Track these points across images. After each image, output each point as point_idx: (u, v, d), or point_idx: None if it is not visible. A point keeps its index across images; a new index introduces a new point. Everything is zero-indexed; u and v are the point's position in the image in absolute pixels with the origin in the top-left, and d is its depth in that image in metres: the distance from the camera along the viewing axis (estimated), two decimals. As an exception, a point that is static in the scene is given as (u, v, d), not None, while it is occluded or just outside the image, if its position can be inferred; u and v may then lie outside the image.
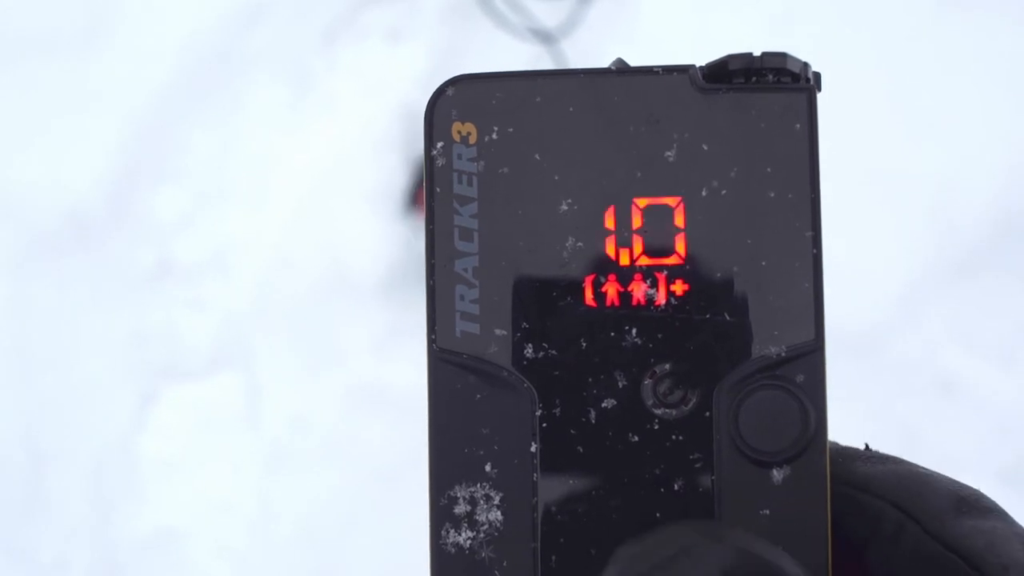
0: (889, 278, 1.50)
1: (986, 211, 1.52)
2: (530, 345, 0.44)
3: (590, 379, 0.44)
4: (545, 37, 1.64)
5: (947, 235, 1.51)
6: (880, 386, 1.44)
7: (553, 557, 0.44)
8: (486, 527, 0.44)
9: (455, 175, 0.45)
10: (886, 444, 1.45)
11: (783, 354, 0.43)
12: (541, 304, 0.44)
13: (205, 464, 1.51)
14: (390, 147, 1.55)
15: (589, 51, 1.61)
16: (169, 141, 1.57)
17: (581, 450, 0.44)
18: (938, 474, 0.45)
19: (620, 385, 0.44)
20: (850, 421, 1.41)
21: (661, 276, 0.44)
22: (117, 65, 1.58)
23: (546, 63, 1.60)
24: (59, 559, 1.49)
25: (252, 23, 1.60)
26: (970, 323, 1.48)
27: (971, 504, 0.44)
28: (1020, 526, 0.43)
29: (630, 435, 0.44)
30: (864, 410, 1.41)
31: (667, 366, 0.44)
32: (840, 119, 1.48)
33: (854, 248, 1.48)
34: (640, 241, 0.44)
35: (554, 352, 0.44)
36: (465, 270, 0.44)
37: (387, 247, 1.52)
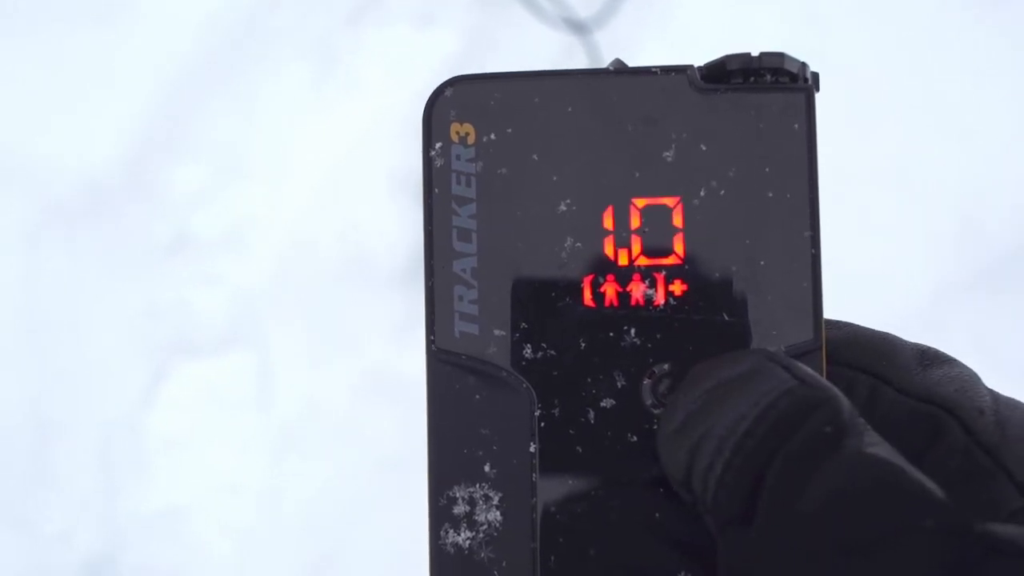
0: (914, 285, 1.49)
1: (1014, 220, 1.51)
2: (529, 345, 0.44)
3: (589, 379, 0.44)
4: (578, 27, 1.64)
5: (974, 244, 1.50)
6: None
7: (552, 557, 0.44)
8: (485, 527, 0.44)
9: (453, 176, 0.45)
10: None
11: None
12: (540, 304, 0.44)
13: (213, 443, 1.51)
14: (412, 133, 1.55)
15: (622, 42, 1.60)
16: (190, 116, 1.57)
17: (580, 450, 0.44)
18: (893, 334, 0.47)
19: (619, 385, 0.44)
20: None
21: (660, 276, 0.44)
22: (141, 38, 1.58)
23: (579, 53, 1.60)
24: (63, 532, 1.49)
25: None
26: (993, 333, 1.47)
27: (932, 356, 0.46)
28: (974, 371, 0.45)
29: (629, 435, 0.44)
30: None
31: (666, 366, 0.44)
32: (871, 122, 1.48)
33: (880, 254, 1.47)
34: (639, 241, 0.44)
35: (553, 352, 0.44)
36: (464, 271, 0.45)
37: (405, 235, 1.52)
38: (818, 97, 0.44)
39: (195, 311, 1.53)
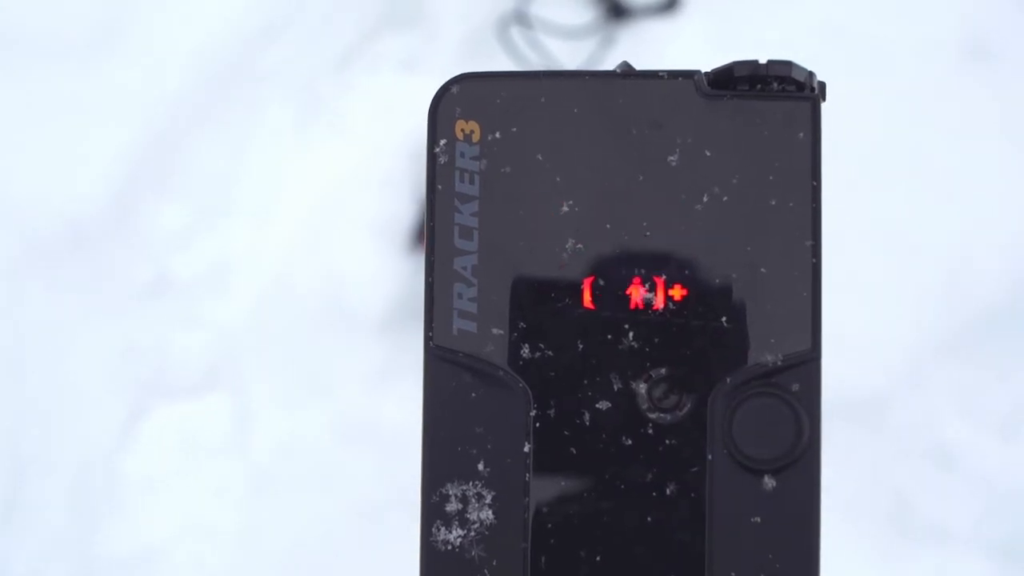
0: (895, 343, 1.48)
1: (998, 280, 1.51)
2: (527, 345, 0.44)
3: (585, 381, 0.44)
4: (562, 80, 1.63)
5: (959, 305, 1.50)
6: (876, 451, 1.43)
7: (543, 558, 0.44)
8: (477, 526, 0.44)
9: (457, 173, 0.45)
10: (877, 511, 1.41)
11: (779, 362, 0.43)
12: (539, 305, 0.44)
13: (188, 485, 1.49)
14: (397, 179, 1.53)
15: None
16: (173, 156, 1.56)
17: (574, 452, 0.44)
18: None
19: (615, 388, 0.44)
20: (843, 484, 1.40)
21: (660, 280, 0.44)
22: (126, 75, 1.57)
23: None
24: (35, 573, 1.47)
25: (266, 41, 1.59)
26: (975, 393, 1.47)
27: None
28: None
29: (624, 438, 0.44)
30: (857, 475, 1.40)
31: (663, 370, 0.44)
32: (856, 179, 1.48)
33: (862, 311, 1.47)
34: (640, 245, 0.44)
35: (550, 353, 0.44)
36: (464, 268, 0.44)
37: (387, 283, 1.51)
38: (824, 107, 0.44)
39: (174, 352, 1.51)
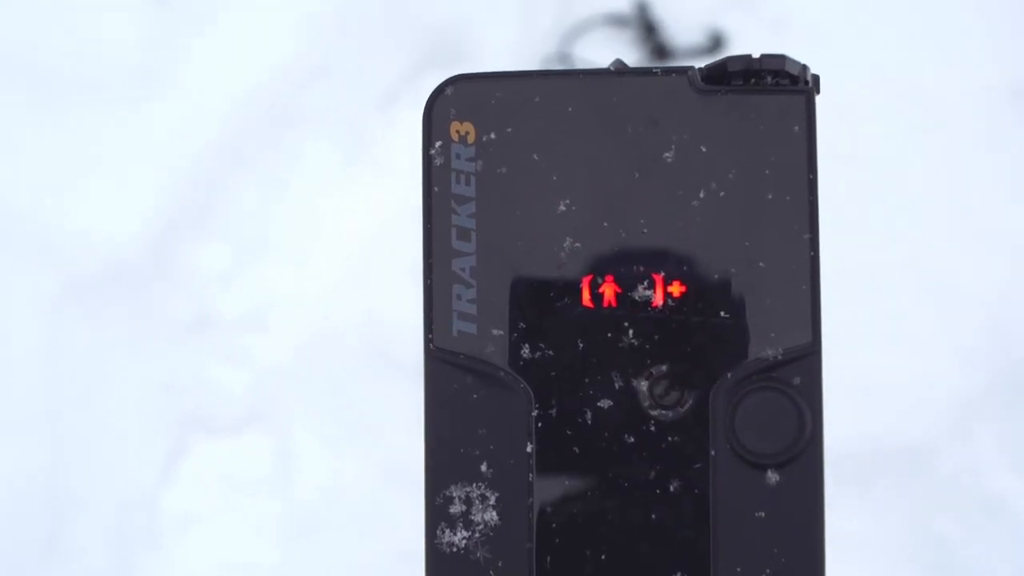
0: (940, 392, 1.47)
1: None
2: (527, 345, 0.44)
3: (586, 380, 0.44)
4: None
5: (999, 351, 1.48)
6: (920, 500, 1.41)
7: (548, 558, 0.43)
8: (481, 527, 0.44)
9: (453, 174, 0.45)
10: (920, 559, 1.39)
11: (780, 356, 0.43)
12: (538, 304, 0.44)
13: (229, 523, 1.49)
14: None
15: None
16: (217, 194, 1.56)
17: (577, 451, 0.44)
18: None
19: (616, 386, 0.44)
20: (886, 532, 1.38)
21: (658, 277, 0.44)
22: (169, 115, 1.57)
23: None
24: (76, 610, 1.47)
25: (311, 80, 1.59)
26: (1019, 441, 1.45)
27: None
28: None
29: (626, 436, 0.44)
30: (900, 522, 1.38)
31: (664, 367, 0.44)
32: (901, 226, 1.47)
33: (907, 359, 1.45)
34: (638, 242, 0.44)
35: (551, 353, 0.44)
36: (462, 270, 0.44)
37: (426, 323, 1.50)
38: (818, 100, 0.44)
39: (215, 390, 1.50)
